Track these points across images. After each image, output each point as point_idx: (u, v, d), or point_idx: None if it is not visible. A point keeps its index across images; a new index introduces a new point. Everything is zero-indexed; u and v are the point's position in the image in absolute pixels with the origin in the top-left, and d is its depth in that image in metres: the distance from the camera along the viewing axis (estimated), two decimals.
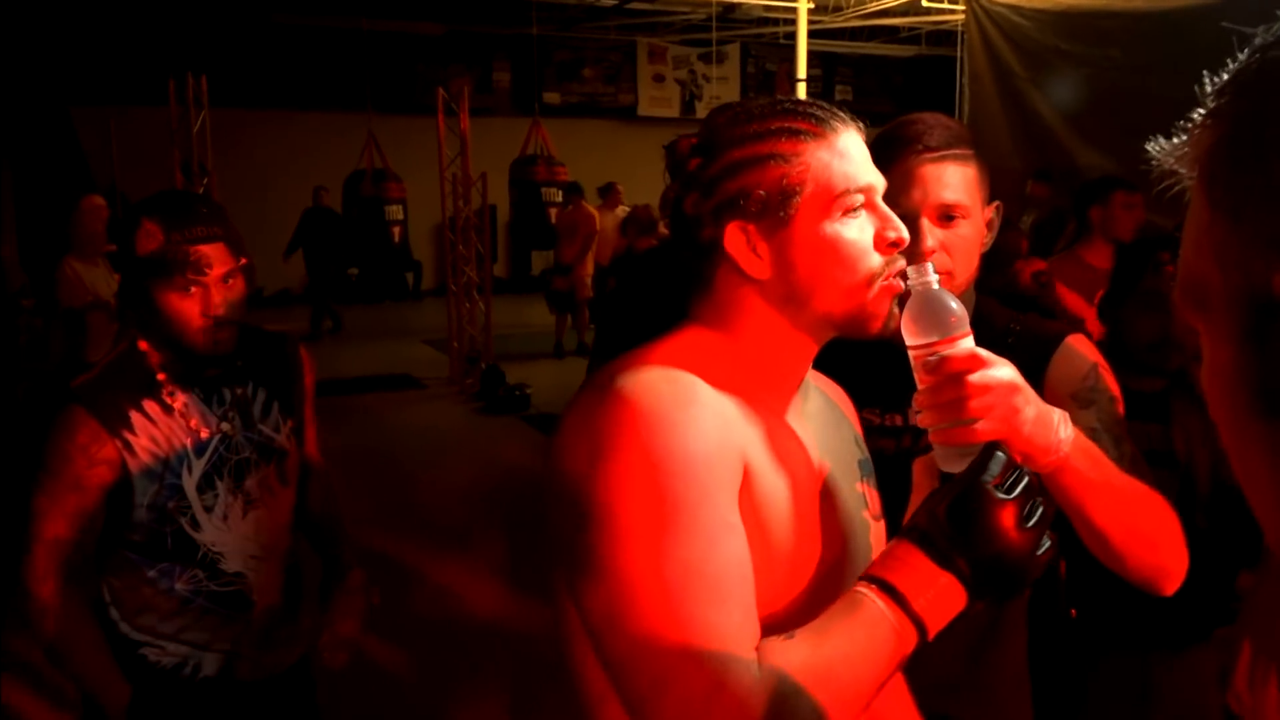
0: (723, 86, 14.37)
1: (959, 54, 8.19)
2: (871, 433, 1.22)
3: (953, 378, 0.90)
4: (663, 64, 14.76)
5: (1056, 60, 6.48)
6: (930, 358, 0.91)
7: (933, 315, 0.92)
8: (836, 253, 0.91)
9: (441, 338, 8.88)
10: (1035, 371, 1.20)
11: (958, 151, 1.27)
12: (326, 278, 10.90)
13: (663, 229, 6.27)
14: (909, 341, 0.93)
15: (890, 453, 1.28)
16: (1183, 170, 0.40)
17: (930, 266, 0.93)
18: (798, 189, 0.91)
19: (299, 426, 1.77)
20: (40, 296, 5.99)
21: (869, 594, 0.83)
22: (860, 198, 0.93)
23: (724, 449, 0.86)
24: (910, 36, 13.37)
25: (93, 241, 5.17)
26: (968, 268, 1.26)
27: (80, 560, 1.57)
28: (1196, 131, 0.40)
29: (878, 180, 0.95)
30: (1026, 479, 0.85)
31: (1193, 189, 0.40)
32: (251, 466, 1.66)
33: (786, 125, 0.92)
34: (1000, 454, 0.86)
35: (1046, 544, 0.85)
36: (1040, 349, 1.28)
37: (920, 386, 0.93)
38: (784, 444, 0.94)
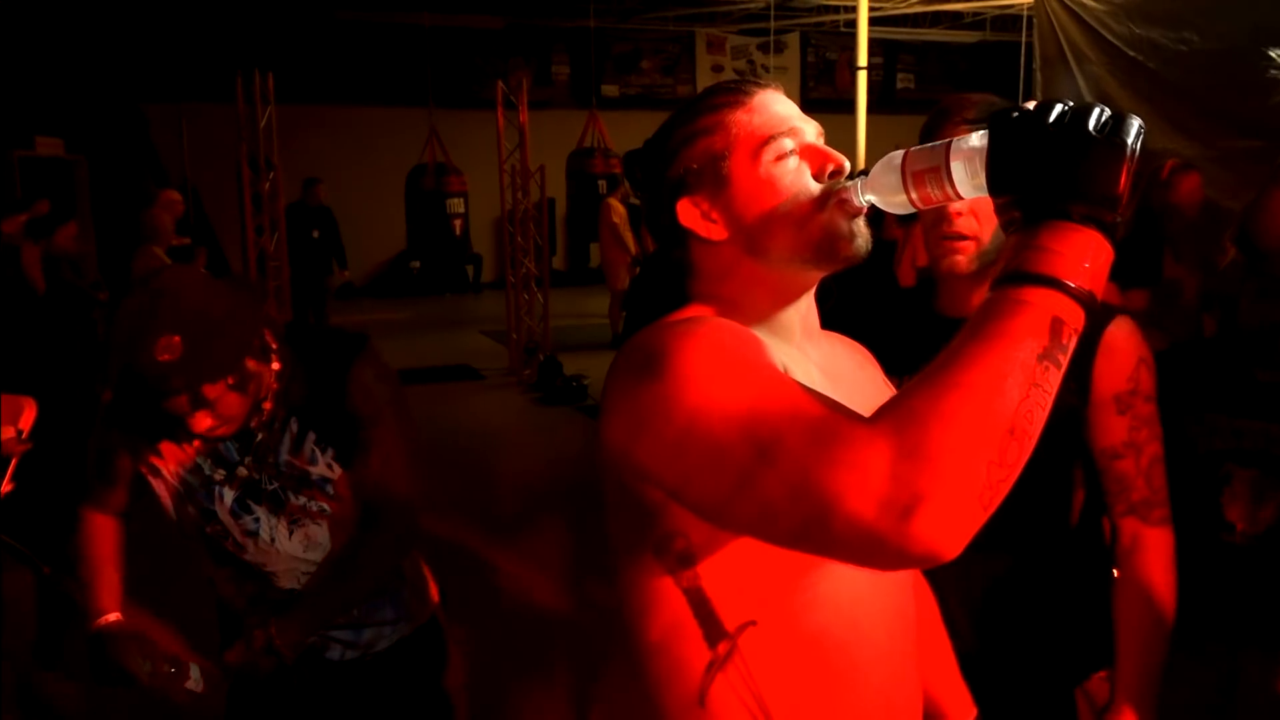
0: (782, 76, 14.23)
1: (1023, 39, 8.00)
2: None
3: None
4: (721, 54, 14.67)
5: (1132, 44, 6.30)
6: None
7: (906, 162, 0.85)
8: (774, 189, 0.95)
9: (500, 329, 8.95)
10: (1083, 352, 1.25)
11: None
12: (313, 286, 8.86)
13: None
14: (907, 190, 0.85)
15: None
16: None
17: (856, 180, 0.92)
18: (726, 151, 0.98)
19: (347, 452, 1.58)
20: (112, 290, 6.17)
21: (1008, 293, 0.72)
22: (788, 141, 0.97)
23: (767, 350, 0.88)
24: (974, 22, 13.11)
25: (167, 235, 5.33)
26: (990, 231, 1.32)
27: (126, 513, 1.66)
28: None
29: (806, 125, 0.99)
30: (1058, 104, 0.75)
31: None
32: (287, 494, 1.57)
33: (705, 103, 1.00)
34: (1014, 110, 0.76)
35: (1137, 127, 0.73)
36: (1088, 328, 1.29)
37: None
38: (812, 381, 0.96)
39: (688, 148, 0.99)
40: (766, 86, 1.01)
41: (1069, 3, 6.92)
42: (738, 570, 0.90)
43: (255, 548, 1.56)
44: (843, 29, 12.87)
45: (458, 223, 11.33)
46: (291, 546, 1.57)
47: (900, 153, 0.86)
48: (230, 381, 1.43)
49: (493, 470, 5.60)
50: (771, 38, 12.91)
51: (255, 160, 8.09)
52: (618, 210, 9.09)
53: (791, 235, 0.95)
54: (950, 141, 0.82)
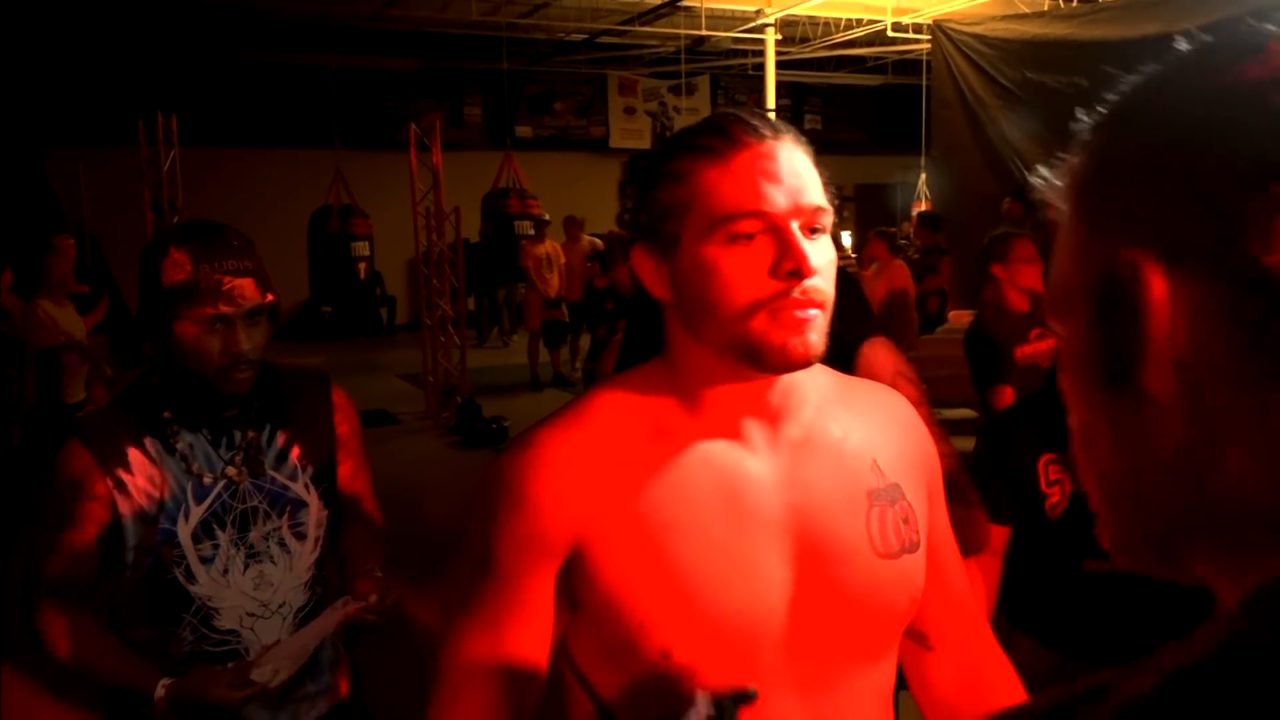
0: (693, 118, 14.27)
1: (924, 82, 8.32)
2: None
3: None
4: (633, 96, 14.87)
5: (1025, 88, 6.60)
6: None
7: None
8: (713, 278, 0.84)
9: (417, 373, 8.83)
10: (842, 369, 1.40)
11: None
12: None
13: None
14: None
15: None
16: (1057, 199, 0.47)
17: None
18: (684, 210, 0.86)
19: (324, 474, 1.63)
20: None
21: None
22: (748, 225, 0.83)
23: (533, 535, 0.90)
24: (877, 66, 13.57)
25: (63, 283, 5.14)
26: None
27: (84, 590, 1.50)
28: (1070, 161, 0.47)
29: (784, 203, 0.84)
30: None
31: (1064, 211, 0.47)
32: (259, 517, 1.56)
33: (692, 141, 0.87)
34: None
35: None
36: (846, 348, 1.47)
37: None
38: (719, 481, 0.89)
39: (656, 188, 0.88)
40: (767, 139, 0.85)
41: (964, 48, 7.23)
42: (602, 652, 0.92)
43: (207, 577, 1.52)
44: (751, 72, 13.18)
45: (362, 266, 11.17)
46: (243, 582, 1.55)
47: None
48: (269, 299, 1.53)
49: (413, 516, 5.49)
50: (683, 80, 13.14)
51: (159, 204, 7.87)
52: (531, 254, 9.10)
53: (720, 326, 0.85)
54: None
